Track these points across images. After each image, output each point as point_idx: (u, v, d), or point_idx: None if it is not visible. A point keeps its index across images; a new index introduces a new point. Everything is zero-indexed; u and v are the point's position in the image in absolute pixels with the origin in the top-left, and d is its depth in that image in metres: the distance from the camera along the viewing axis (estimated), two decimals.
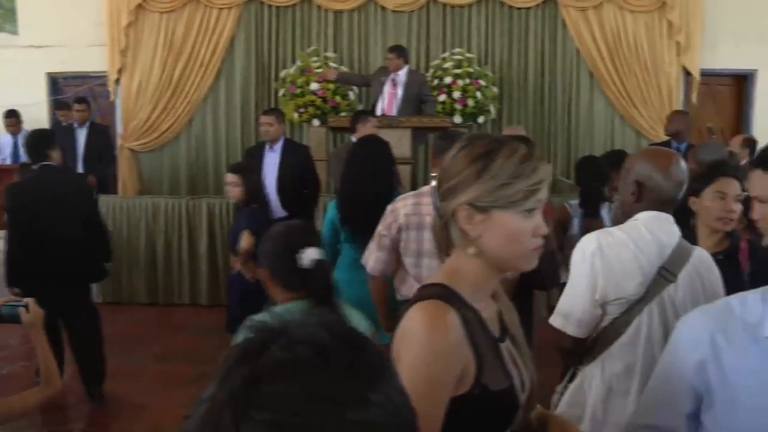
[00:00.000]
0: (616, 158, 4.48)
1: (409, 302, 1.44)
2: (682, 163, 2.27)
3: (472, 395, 1.37)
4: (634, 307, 2.16)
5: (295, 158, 5.94)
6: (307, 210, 5.96)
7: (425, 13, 8.91)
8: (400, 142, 6.09)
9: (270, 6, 8.84)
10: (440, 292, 1.41)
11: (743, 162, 5.86)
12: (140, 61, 8.73)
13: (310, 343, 0.74)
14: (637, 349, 2.15)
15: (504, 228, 1.40)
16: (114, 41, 8.66)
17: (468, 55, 8.49)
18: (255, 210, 4.39)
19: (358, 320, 2.33)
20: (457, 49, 8.55)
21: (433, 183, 3.06)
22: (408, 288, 3.25)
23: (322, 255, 2.23)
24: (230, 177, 4.51)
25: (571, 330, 2.19)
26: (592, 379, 2.22)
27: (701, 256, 2.25)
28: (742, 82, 9.95)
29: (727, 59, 9.50)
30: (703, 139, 9.00)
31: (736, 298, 1.54)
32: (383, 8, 8.81)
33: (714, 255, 2.43)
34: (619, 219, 2.38)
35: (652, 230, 2.19)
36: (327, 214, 3.96)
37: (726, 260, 2.58)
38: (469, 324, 1.38)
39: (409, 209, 3.19)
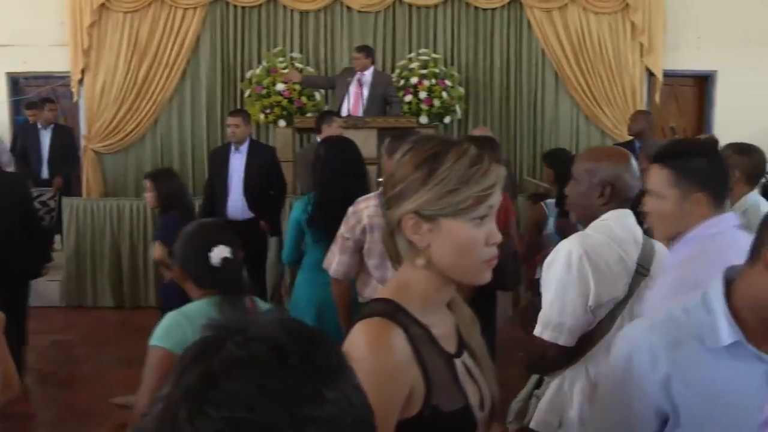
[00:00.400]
0: (559, 157, 4.61)
1: (355, 319, 1.38)
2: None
3: (423, 417, 1.30)
4: (618, 306, 2.18)
5: (261, 159, 5.96)
6: (273, 211, 5.98)
7: (391, 13, 8.95)
8: (366, 143, 6.11)
9: (235, 6, 8.80)
10: (385, 309, 1.34)
11: None
12: (104, 61, 8.65)
13: (266, 340, 0.74)
14: None
15: (453, 237, 1.32)
16: (77, 41, 8.56)
17: (434, 55, 8.56)
18: (168, 218, 4.32)
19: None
20: (423, 50, 8.62)
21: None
22: (371, 290, 3.26)
23: (232, 253, 2.31)
24: (146, 182, 4.55)
25: (563, 340, 2.14)
26: (575, 383, 2.20)
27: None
28: (703, 83, 10.17)
29: (688, 60, 9.71)
30: (666, 138, 9.19)
31: (677, 308, 1.52)
32: (349, 8, 8.84)
33: None
34: (580, 220, 2.39)
35: (625, 228, 2.24)
36: (292, 214, 3.95)
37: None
38: (416, 342, 1.31)
39: (372, 210, 3.18)
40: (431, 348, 1.34)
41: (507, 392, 1.94)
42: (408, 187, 1.32)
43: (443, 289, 1.40)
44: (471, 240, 1.32)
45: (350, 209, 3.27)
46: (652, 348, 1.46)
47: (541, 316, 2.17)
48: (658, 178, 2.02)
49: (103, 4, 8.48)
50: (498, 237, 1.35)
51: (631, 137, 6.90)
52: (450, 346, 1.40)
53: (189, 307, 2.29)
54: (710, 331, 1.42)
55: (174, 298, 4.28)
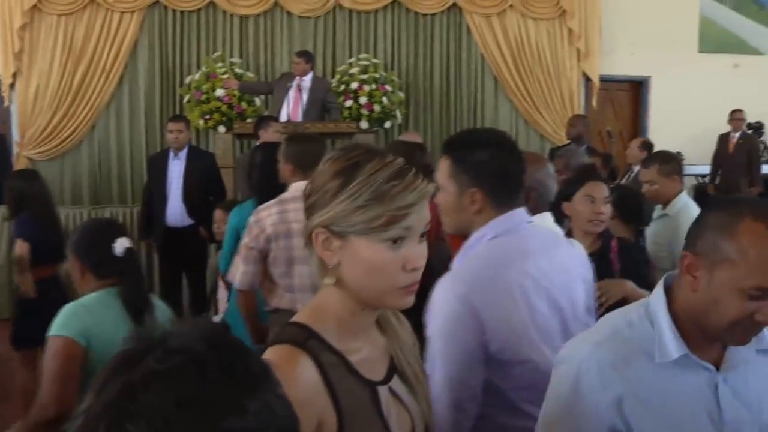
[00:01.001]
0: None
1: (265, 344, 1.30)
2: None
3: None
4: None
5: (201, 165, 5.98)
6: (212, 218, 5.98)
7: (331, 18, 9.02)
8: None
9: (174, 10, 8.72)
10: (295, 335, 1.25)
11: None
12: (37, 65, 8.47)
13: (186, 352, 0.74)
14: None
15: (363, 258, 1.22)
16: (7, 44, 8.35)
17: (374, 60, 8.64)
18: (24, 218, 4.37)
19: (162, 310, 2.54)
20: (364, 55, 8.70)
21: (294, 188, 3.15)
22: (278, 299, 3.27)
23: (131, 244, 2.46)
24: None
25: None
26: None
27: (584, 253, 2.35)
28: (638, 88, 10.54)
29: (623, 66, 10.07)
30: (603, 142, 9.48)
31: (620, 320, 1.49)
32: (289, 13, 8.87)
33: (589, 256, 2.55)
34: None
35: (553, 230, 2.29)
36: (230, 221, 3.95)
37: (599, 260, 2.63)
38: (328, 371, 1.21)
39: (275, 218, 3.17)
40: (347, 377, 1.24)
41: None
42: (321, 199, 1.24)
43: (360, 313, 1.29)
44: (382, 262, 1.21)
45: (252, 218, 3.25)
46: (601, 368, 1.41)
47: None
48: (441, 168, 1.90)
49: (35, 6, 8.29)
50: (418, 261, 1.24)
51: (569, 141, 7.10)
52: (376, 373, 1.30)
53: (86, 298, 2.41)
54: (657, 345, 1.40)
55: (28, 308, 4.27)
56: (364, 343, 1.31)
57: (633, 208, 3.55)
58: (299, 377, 1.18)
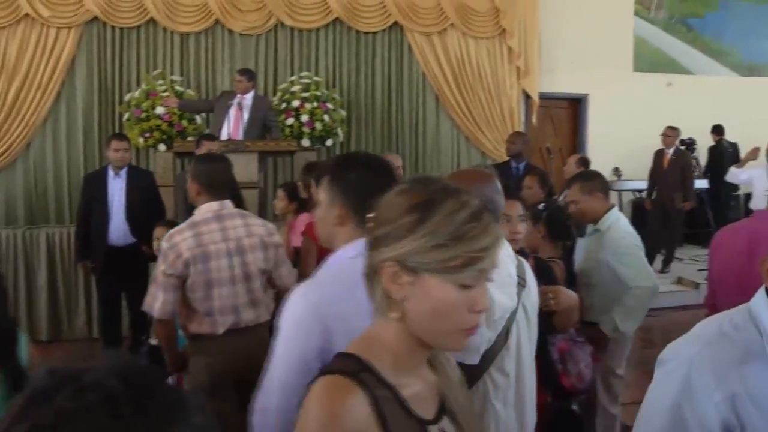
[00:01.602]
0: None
1: (318, 373, 1.29)
2: None
3: None
4: (510, 317, 2.21)
5: (141, 184, 5.98)
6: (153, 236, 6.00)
7: (273, 36, 9.10)
8: (247, 167, 6.24)
9: (113, 27, 8.65)
10: (349, 366, 1.24)
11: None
12: None
13: (98, 389, 0.72)
14: (511, 355, 2.21)
15: (432, 296, 1.22)
16: None
17: (316, 78, 8.74)
18: None
19: (23, 345, 2.34)
20: (305, 73, 8.80)
21: (204, 209, 3.20)
22: (197, 324, 3.24)
23: None
24: None
25: (473, 360, 2.06)
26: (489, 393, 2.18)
27: (525, 263, 2.45)
28: (576, 105, 10.89)
29: (562, 84, 10.42)
30: (543, 159, 9.75)
31: (725, 323, 1.52)
32: (230, 31, 8.92)
33: None
34: None
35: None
36: None
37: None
38: (381, 406, 1.20)
39: (190, 242, 3.15)
40: (398, 412, 1.23)
41: None
42: (394, 232, 1.24)
43: (417, 350, 1.29)
44: (452, 302, 1.22)
45: (165, 244, 3.20)
46: (714, 366, 1.43)
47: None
48: (321, 184, 1.97)
49: None
50: (484, 304, 1.25)
51: (508, 158, 7.28)
52: (426, 411, 1.29)
53: None
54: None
55: None
56: (416, 380, 1.30)
57: (560, 225, 3.69)
58: (351, 409, 1.18)
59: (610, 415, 3.85)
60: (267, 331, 3.45)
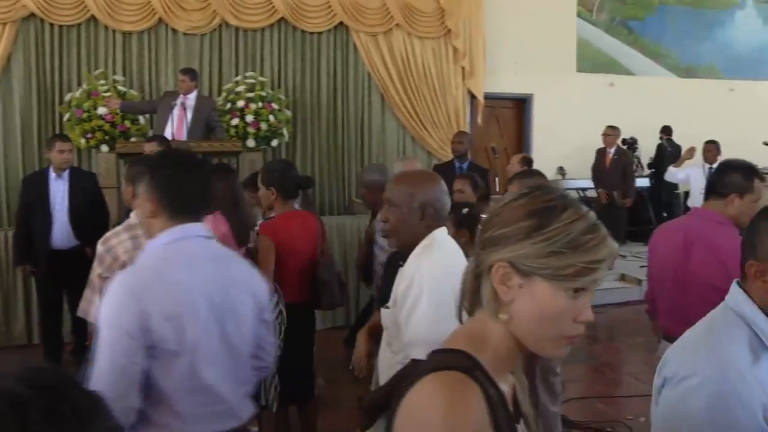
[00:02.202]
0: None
1: (418, 369, 1.28)
2: None
3: None
4: None
5: (83, 185, 5.97)
6: (98, 239, 5.99)
7: (217, 36, 9.13)
8: None
9: (52, 24, 8.50)
10: (461, 362, 1.24)
11: None
12: None
13: (5, 396, 0.72)
14: None
15: (542, 302, 1.24)
16: None
17: (261, 78, 8.79)
18: None
19: None
20: (250, 73, 8.84)
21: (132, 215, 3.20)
22: None
23: None
24: None
25: None
26: None
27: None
28: (521, 105, 11.16)
29: (507, 84, 10.70)
30: (489, 158, 9.99)
31: (722, 327, 1.69)
32: (174, 30, 8.90)
33: None
34: (404, 243, 2.51)
35: (449, 241, 2.46)
36: None
37: None
38: (493, 405, 1.21)
39: (127, 245, 3.13)
40: (503, 413, 1.25)
41: None
42: (510, 234, 1.27)
43: (515, 354, 1.32)
44: (559, 310, 1.24)
45: (101, 247, 3.18)
46: (742, 375, 1.58)
47: (419, 335, 2.17)
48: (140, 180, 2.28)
49: None
50: (590, 316, 1.27)
51: (453, 157, 7.47)
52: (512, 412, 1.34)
53: None
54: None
55: None
56: (505, 382, 1.32)
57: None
58: (474, 408, 1.19)
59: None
60: None
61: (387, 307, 2.29)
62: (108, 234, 3.24)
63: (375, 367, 2.48)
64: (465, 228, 3.52)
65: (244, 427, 2.27)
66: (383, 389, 2.39)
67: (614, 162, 9.55)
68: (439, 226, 2.46)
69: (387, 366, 2.31)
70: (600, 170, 9.74)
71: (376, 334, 3.08)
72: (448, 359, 1.25)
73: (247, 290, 2.29)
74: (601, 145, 9.88)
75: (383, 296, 3.02)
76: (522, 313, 1.25)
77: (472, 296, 1.35)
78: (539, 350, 1.29)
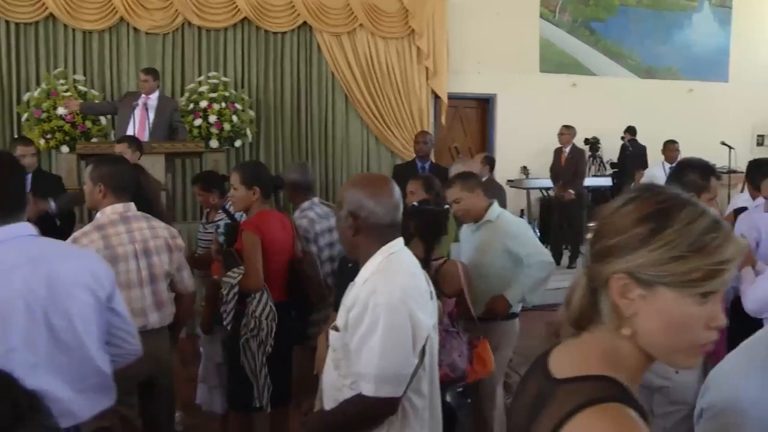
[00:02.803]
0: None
1: (559, 401, 1.20)
2: (394, 185, 2.28)
3: None
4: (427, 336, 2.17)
5: (48, 188, 5.90)
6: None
7: (180, 35, 9.08)
8: (153, 168, 6.24)
9: (8, 21, 8.38)
10: (613, 391, 1.17)
11: (484, 178, 6.66)
12: None
13: None
14: (426, 374, 2.17)
15: (668, 312, 1.17)
16: None
17: (224, 78, 8.78)
18: None
19: None
20: (213, 73, 8.83)
21: (109, 212, 3.25)
22: None
23: None
24: None
25: (399, 391, 2.05)
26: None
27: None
28: (485, 105, 11.27)
29: (471, 84, 10.81)
30: (452, 158, 10.08)
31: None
32: (136, 30, 8.83)
33: None
34: (352, 257, 2.34)
35: (407, 256, 2.26)
36: None
37: None
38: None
39: (99, 245, 3.18)
40: None
41: None
42: (625, 243, 1.20)
43: (642, 367, 1.26)
44: (689, 318, 1.17)
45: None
46: None
47: (370, 371, 2.03)
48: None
49: None
50: (723, 320, 1.19)
51: (415, 157, 7.54)
52: None
53: None
54: None
55: None
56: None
57: (428, 225, 3.61)
58: None
59: (494, 398, 4.10)
60: (168, 332, 3.58)
61: (336, 329, 2.14)
62: (77, 234, 3.25)
63: (319, 384, 2.38)
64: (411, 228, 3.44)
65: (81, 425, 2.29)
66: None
67: (569, 161, 9.65)
68: (381, 237, 2.19)
69: (333, 388, 2.17)
70: (557, 169, 9.86)
71: None
72: (599, 389, 1.17)
73: (78, 284, 2.29)
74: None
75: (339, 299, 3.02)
76: (647, 326, 1.19)
77: (584, 312, 1.28)
78: (672, 363, 1.23)
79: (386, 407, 2.03)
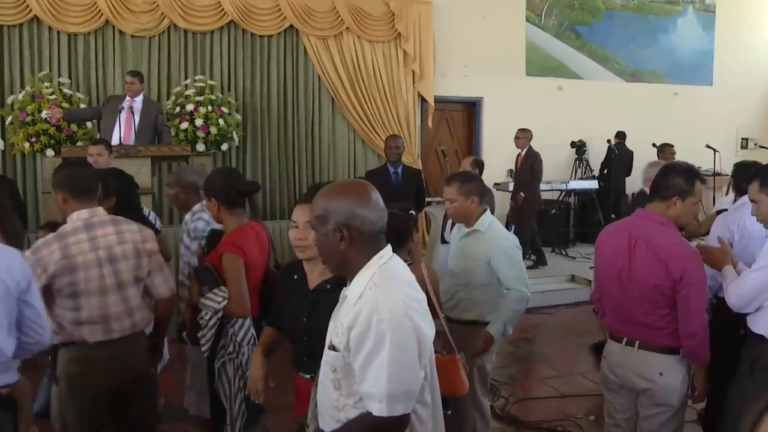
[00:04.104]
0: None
1: None
2: (374, 187, 2.17)
3: None
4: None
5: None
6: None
7: (166, 38, 9.05)
8: (139, 172, 6.26)
9: None
10: None
11: None
12: None
13: None
14: (429, 383, 2.12)
15: None
16: None
17: (210, 81, 8.76)
18: None
19: None
20: (199, 76, 8.81)
21: (74, 218, 3.20)
22: (67, 334, 3.18)
23: None
24: None
25: (410, 407, 1.99)
26: None
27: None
28: (471, 109, 11.33)
29: (457, 87, 10.88)
30: (439, 161, 10.13)
31: None
32: (122, 32, 8.79)
33: (324, 283, 2.74)
34: (338, 273, 2.24)
35: (399, 264, 2.18)
36: None
37: (335, 289, 2.50)
38: None
39: (57, 255, 3.11)
40: None
41: None
42: None
43: None
44: None
45: (31, 256, 3.12)
46: None
47: (380, 390, 1.94)
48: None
49: None
50: None
51: (392, 160, 7.51)
52: None
53: None
54: None
55: None
56: None
57: (392, 229, 3.53)
58: None
59: (482, 405, 4.15)
60: (144, 338, 3.48)
61: (334, 349, 2.05)
62: (39, 242, 3.20)
63: (312, 396, 2.34)
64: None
65: None
66: None
67: (523, 164, 9.69)
68: (377, 247, 2.11)
69: (334, 408, 2.10)
70: (516, 172, 9.92)
71: (270, 353, 3.07)
72: None
73: None
74: (551, 147, 10.13)
75: (279, 313, 2.98)
76: None
77: None
78: None
79: (398, 425, 1.98)
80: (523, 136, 9.67)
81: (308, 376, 2.73)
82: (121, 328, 3.27)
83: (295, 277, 2.89)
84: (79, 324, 3.17)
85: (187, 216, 4.47)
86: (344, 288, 2.16)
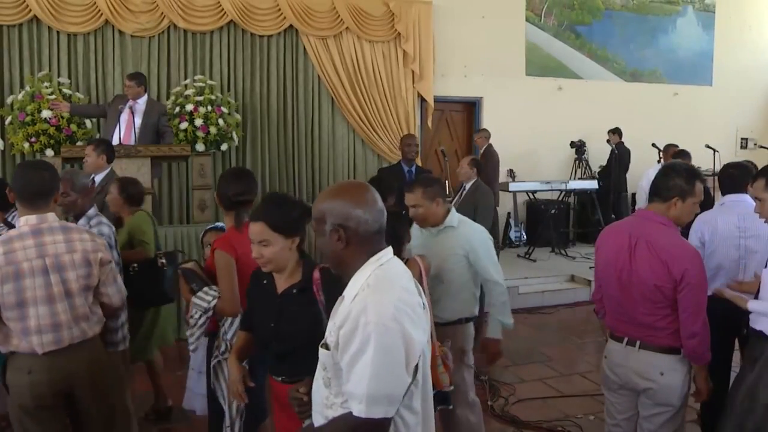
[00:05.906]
0: None
1: None
2: (373, 189, 2.18)
3: None
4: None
5: None
6: None
7: (166, 38, 9.06)
8: (139, 172, 6.26)
9: None
10: None
11: (472, 181, 6.66)
12: None
13: None
14: (419, 390, 2.08)
15: None
16: None
17: (210, 82, 8.75)
18: None
19: None
20: (199, 76, 8.81)
21: (22, 222, 3.14)
22: (15, 343, 3.12)
23: None
24: None
25: (391, 412, 1.96)
26: None
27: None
28: (471, 109, 11.33)
29: (457, 87, 10.89)
30: (438, 161, 10.13)
31: None
32: (121, 32, 8.80)
33: (291, 288, 2.78)
34: (340, 274, 2.20)
35: (398, 267, 2.17)
36: None
37: (300, 293, 2.72)
38: None
39: (0, 261, 3.04)
40: None
41: None
42: None
43: None
44: None
45: None
46: None
47: (361, 390, 1.93)
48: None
49: None
50: None
51: (399, 160, 7.54)
52: None
53: None
54: None
55: None
56: None
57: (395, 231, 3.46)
58: None
59: (471, 402, 4.13)
60: (96, 345, 3.37)
61: (326, 347, 2.06)
62: None
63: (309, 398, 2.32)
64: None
65: None
66: None
67: (485, 160, 9.67)
68: (375, 248, 2.11)
69: (324, 405, 2.12)
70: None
71: (244, 357, 3.08)
72: None
73: None
74: (550, 147, 10.09)
75: (252, 317, 2.98)
76: None
77: None
78: None
79: (377, 428, 1.96)
80: (483, 135, 9.86)
81: (279, 378, 2.83)
82: (71, 337, 3.17)
83: (264, 282, 2.92)
84: (27, 334, 3.09)
85: (82, 221, 4.10)
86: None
